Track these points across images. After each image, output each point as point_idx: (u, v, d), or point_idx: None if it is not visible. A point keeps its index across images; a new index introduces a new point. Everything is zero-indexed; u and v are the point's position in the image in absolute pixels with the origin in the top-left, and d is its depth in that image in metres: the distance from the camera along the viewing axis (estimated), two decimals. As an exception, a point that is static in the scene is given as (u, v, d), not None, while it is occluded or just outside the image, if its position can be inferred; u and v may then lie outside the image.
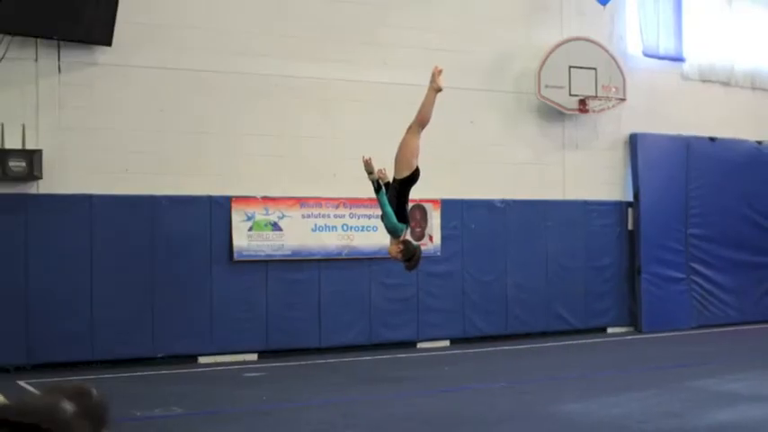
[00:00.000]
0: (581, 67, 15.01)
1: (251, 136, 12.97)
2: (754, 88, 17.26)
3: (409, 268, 8.84)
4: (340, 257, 13.46)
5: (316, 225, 13.27)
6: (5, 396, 2.46)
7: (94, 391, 1.79)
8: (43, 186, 11.79)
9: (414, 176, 8.21)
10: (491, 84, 14.69)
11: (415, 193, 8.79)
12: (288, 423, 8.72)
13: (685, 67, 16.58)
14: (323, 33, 13.43)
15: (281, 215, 13.04)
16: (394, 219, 8.04)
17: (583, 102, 15.06)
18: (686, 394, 9.86)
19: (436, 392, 10.30)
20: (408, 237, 8.61)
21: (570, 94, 14.97)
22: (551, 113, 15.15)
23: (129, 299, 12.14)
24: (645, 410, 8.98)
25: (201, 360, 12.54)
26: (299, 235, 13.14)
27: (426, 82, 8.25)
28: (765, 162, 17.09)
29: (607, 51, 15.37)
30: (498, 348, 13.91)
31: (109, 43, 11.91)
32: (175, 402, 9.54)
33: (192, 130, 12.63)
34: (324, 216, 13.33)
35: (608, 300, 15.68)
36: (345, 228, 13.45)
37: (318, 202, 13.32)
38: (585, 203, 15.53)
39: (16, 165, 11.44)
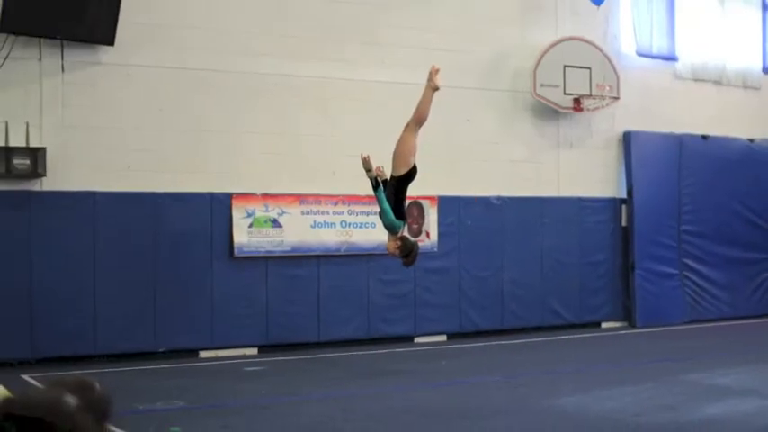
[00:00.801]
0: (575, 67, 15.13)
1: (251, 134, 13.10)
2: (745, 87, 17.40)
3: (407, 264, 8.96)
4: (339, 254, 13.60)
5: (315, 222, 13.42)
6: (10, 390, 2.58)
7: (97, 385, 1.85)
8: (47, 184, 11.93)
9: (411, 174, 8.32)
10: (487, 83, 14.81)
11: (413, 191, 8.91)
12: (287, 416, 8.83)
13: (678, 66, 16.72)
14: (323, 33, 13.54)
15: (280, 212, 13.19)
16: (392, 215, 8.16)
17: (577, 100, 15.18)
18: (679, 388, 10.00)
19: (433, 386, 10.45)
20: (406, 233, 8.76)
21: (565, 93, 15.09)
22: (546, 112, 15.29)
23: (131, 294, 12.27)
24: (638, 404, 9.12)
25: (202, 354, 12.67)
26: (299, 231, 13.27)
27: (424, 81, 8.40)
28: (757, 160, 17.25)
29: (601, 51, 15.49)
30: (494, 343, 14.03)
31: (111, 43, 12.03)
32: (177, 396, 9.67)
33: (192, 128, 12.76)
34: (323, 213, 13.48)
35: (602, 295, 15.83)
36: (344, 224, 13.59)
37: (318, 199, 13.46)
38: (580, 200, 15.67)
39: (20, 162, 11.59)
